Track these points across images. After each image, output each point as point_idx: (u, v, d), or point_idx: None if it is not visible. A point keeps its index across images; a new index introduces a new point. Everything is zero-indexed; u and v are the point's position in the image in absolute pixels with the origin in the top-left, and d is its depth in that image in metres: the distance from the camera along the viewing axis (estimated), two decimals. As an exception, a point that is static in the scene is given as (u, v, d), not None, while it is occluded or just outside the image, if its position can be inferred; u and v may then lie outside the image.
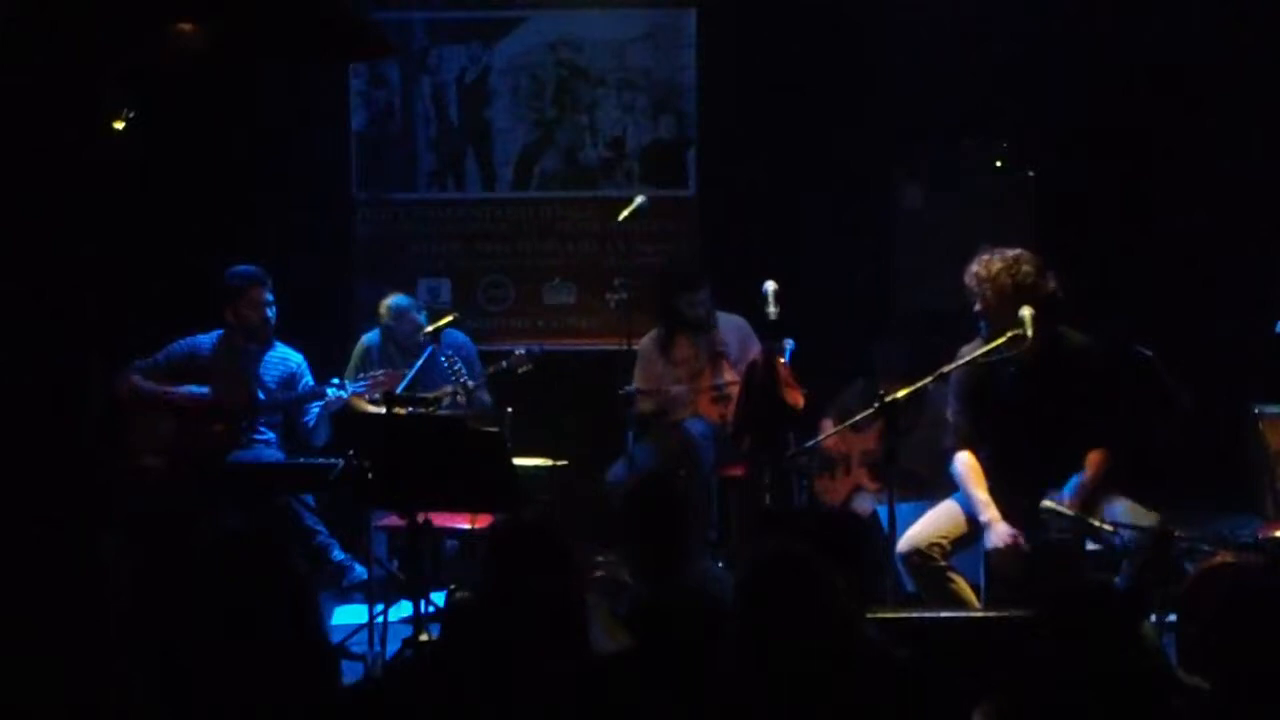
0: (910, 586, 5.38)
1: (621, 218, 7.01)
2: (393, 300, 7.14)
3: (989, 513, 5.26)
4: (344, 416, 6.41)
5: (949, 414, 5.52)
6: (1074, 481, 5.20)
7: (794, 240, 7.66)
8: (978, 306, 5.30)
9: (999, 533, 5.21)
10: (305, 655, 3.24)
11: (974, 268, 5.27)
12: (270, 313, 6.83)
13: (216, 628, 3.23)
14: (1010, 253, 5.26)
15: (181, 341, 6.92)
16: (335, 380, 6.68)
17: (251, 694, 3.17)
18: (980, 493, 5.32)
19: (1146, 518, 5.11)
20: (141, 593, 4.05)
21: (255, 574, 3.32)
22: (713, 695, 3.30)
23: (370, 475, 5.60)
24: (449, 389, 6.68)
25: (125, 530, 5.73)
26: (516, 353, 6.93)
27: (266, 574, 3.32)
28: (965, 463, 5.41)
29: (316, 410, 6.77)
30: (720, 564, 6.65)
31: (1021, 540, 5.19)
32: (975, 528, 5.34)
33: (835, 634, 3.26)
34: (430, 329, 6.85)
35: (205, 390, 6.69)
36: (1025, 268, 5.20)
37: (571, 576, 3.71)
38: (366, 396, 6.70)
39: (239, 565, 3.34)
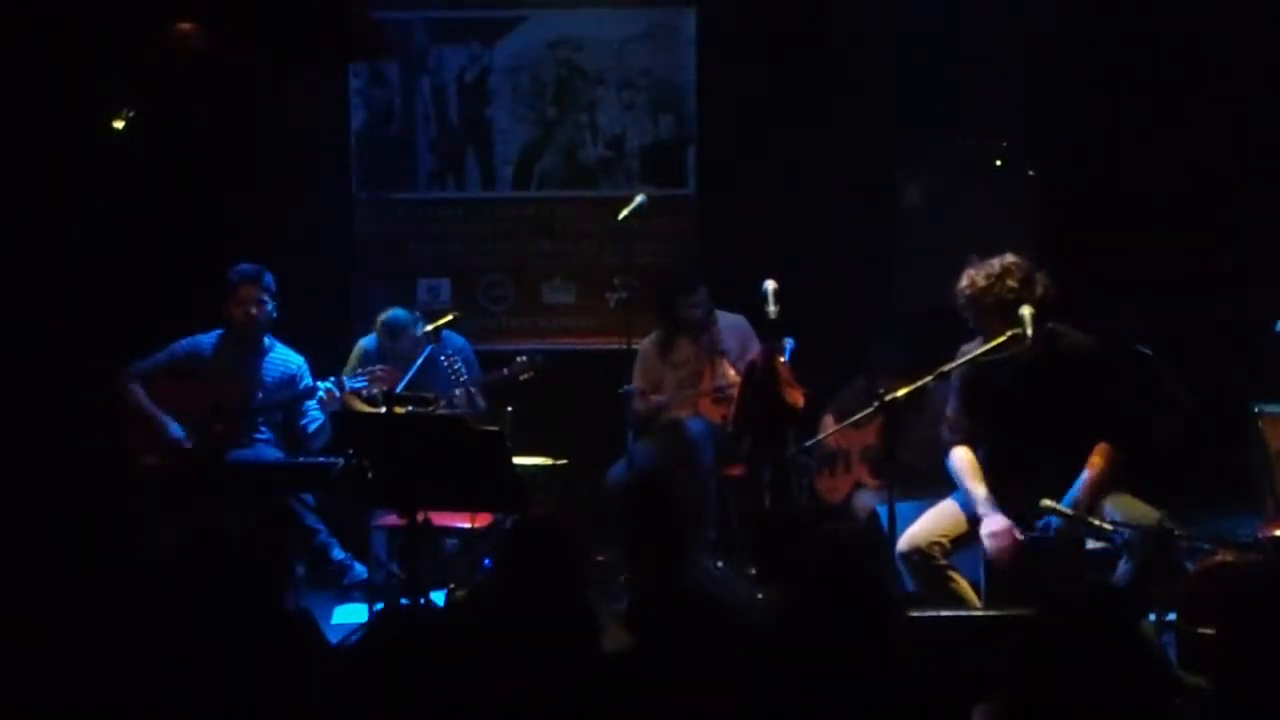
0: (910, 585, 5.38)
1: (621, 217, 7.00)
2: (389, 315, 7.03)
3: (987, 507, 5.26)
4: (343, 416, 6.40)
5: (948, 410, 5.53)
6: (1076, 485, 5.20)
7: (794, 240, 7.65)
8: (970, 324, 5.32)
9: (996, 525, 5.21)
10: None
11: (961, 283, 5.28)
12: (257, 311, 6.77)
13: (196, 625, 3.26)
14: (995, 265, 5.23)
15: (182, 341, 6.92)
16: (332, 379, 6.66)
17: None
18: (979, 487, 5.32)
19: (1147, 514, 5.11)
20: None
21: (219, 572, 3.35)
22: (716, 693, 3.31)
23: (370, 475, 5.59)
24: (455, 394, 6.66)
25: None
26: (519, 359, 6.92)
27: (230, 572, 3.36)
28: (962, 458, 5.41)
29: (315, 416, 6.76)
30: (720, 563, 6.67)
31: (1018, 533, 5.19)
32: (975, 527, 5.33)
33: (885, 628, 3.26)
34: (430, 328, 6.84)
35: (182, 435, 6.65)
36: (1009, 282, 5.18)
37: (578, 577, 3.72)
38: (364, 392, 6.68)
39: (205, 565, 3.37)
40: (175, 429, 6.65)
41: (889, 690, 3.21)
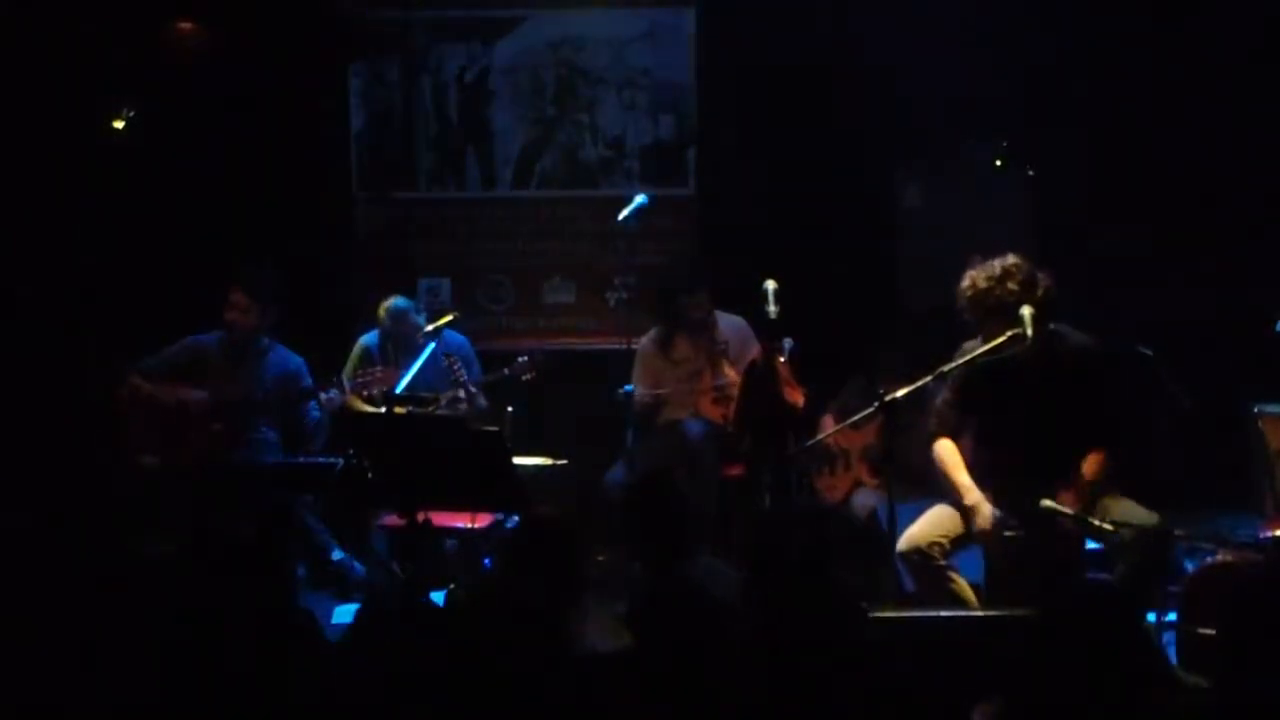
0: (910, 586, 5.38)
1: (621, 217, 7.00)
2: (392, 303, 7.11)
3: (972, 496, 5.26)
4: (343, 416, 6.40)
5: (938, 401, 5.52)
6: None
7: (794, 240, 7.65)
8: (971, 324, 5.32)
9: (983, 514, 5.21)
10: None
11: (962, 284, 5.27)
12: (235, 315, 6.73)
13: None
14: (996, 267, 5.23)
15: (183, 341, 6.92)
16: (335, 390, 6.65)
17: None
18: (962, 476, 5.32)
19: (1146, 519, 5.11)
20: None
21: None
22: (717, 693, 3.31)
23: (370, 475, 5.59)
24: (452, 394, 6.67)
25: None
26: (519, 359, 6.93)
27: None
28: (946, 448, 5.41)
29: (315, 414, 6.76)
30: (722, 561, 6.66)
31: (1005, 521, 5.19)
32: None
33: (840, 632, 3.27)
34: (430, 328, 6.85)
35: (203, 393, 6.66)
36: (1009, 284, 5.18)
37: (580, 577, 3.73)
38: (363, 393, 6.69)
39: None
40: (194, 393, 6.62)
41: (863, 680, 3.21)
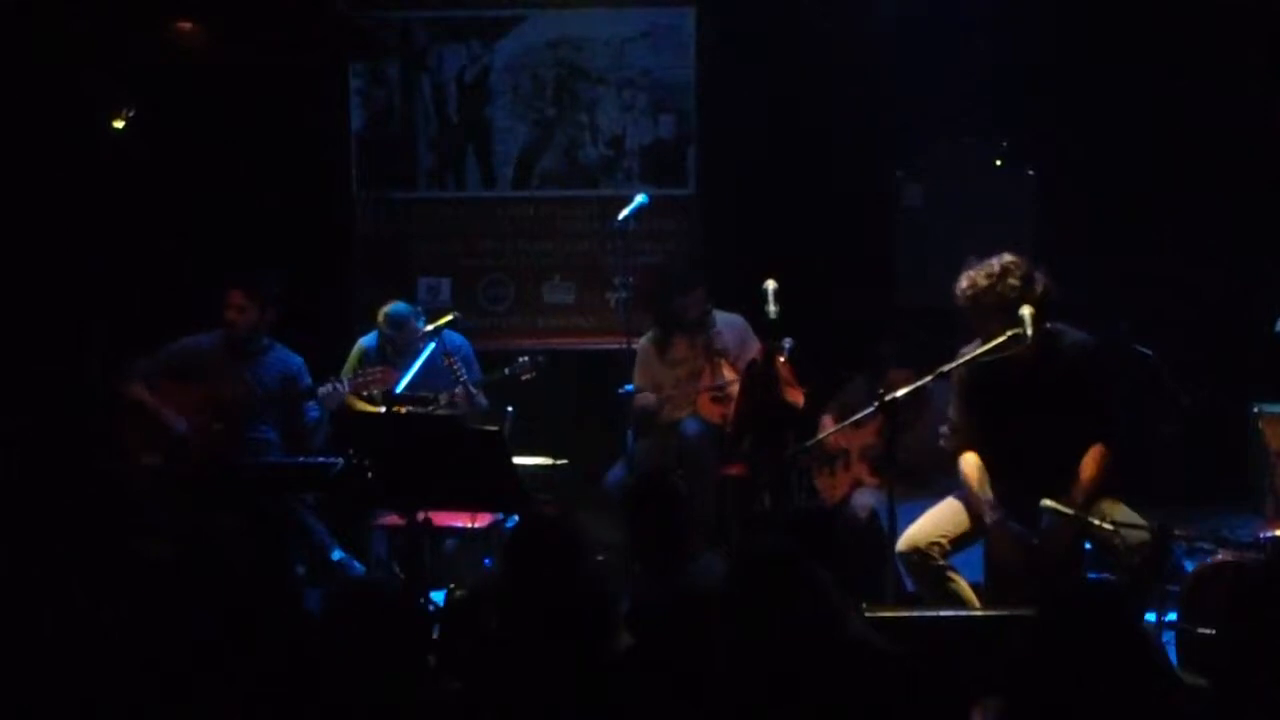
0: (910, 585, 5.38)
1: (621, 217, 7.00)
2: (391, 309, 7.06)
3: (996, 514, 5.24)
4: (342, 416, 6.40)
5: (950, 412, 5.52)
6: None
7: (794, 240, 7.66)
8: (970, 323, 5.32)
9: (1001, 531, 5.19)
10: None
11: (961, 283, 5.26)
12: (236, 316, 6.72)
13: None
14: (995, 265, 5.22)
15: (182, 340, 6.91)
16: (334, 384, 6.65)
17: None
18: (988, 493, 5.30)
19: (1140, 523, 5.10)
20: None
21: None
22: (706, 692, 3.31)
23: (370, 475, 5.59)
24: (454, 393, 6.67)
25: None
26: (520, 359, 6.93)
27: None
28: (970, 463, 5.39)
29: (316, 411, 6.76)
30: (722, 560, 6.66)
31: (1023, 538, 5.18)
32: (975, 526, 5.32)
33: (824, 630, 3.26)
34: (430, 328, 6.85)
35: (184, 428, 6.63)
36: (1010, 281, 5.17)
37: (584, 575, 3.73)
38: (363, 393, 6.68)
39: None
40: (179, 424, 6.62)
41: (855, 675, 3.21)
